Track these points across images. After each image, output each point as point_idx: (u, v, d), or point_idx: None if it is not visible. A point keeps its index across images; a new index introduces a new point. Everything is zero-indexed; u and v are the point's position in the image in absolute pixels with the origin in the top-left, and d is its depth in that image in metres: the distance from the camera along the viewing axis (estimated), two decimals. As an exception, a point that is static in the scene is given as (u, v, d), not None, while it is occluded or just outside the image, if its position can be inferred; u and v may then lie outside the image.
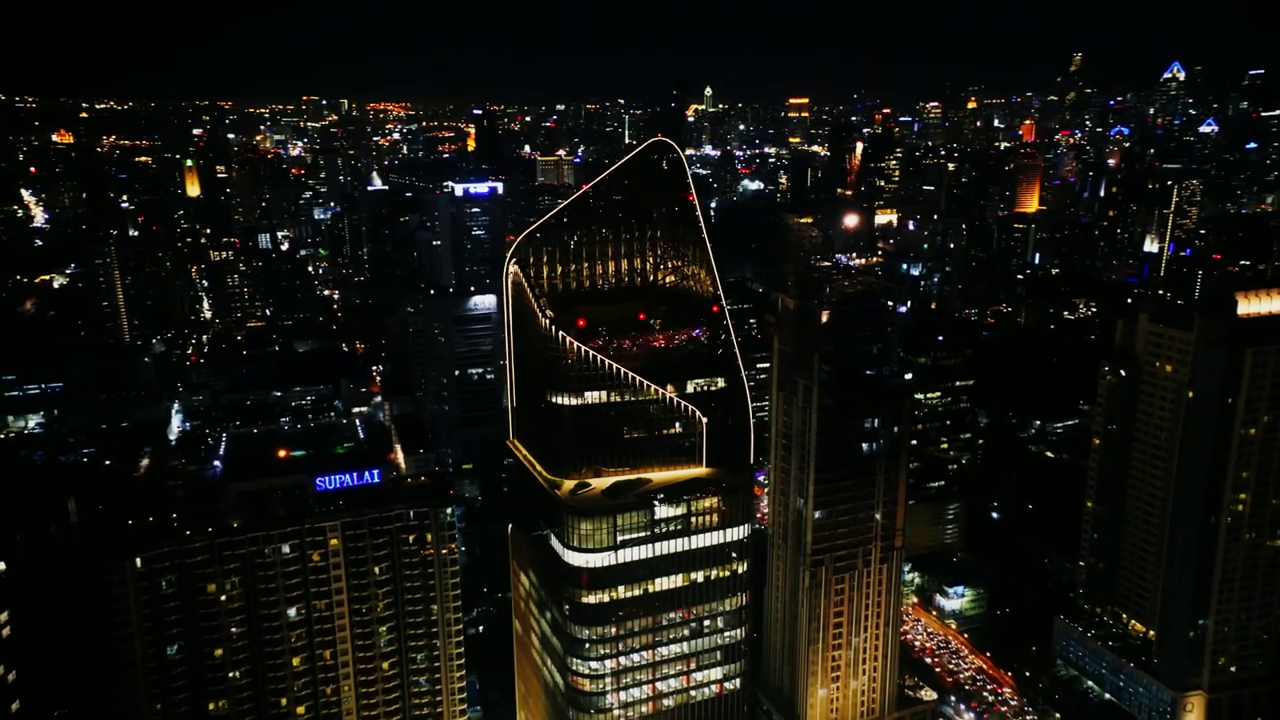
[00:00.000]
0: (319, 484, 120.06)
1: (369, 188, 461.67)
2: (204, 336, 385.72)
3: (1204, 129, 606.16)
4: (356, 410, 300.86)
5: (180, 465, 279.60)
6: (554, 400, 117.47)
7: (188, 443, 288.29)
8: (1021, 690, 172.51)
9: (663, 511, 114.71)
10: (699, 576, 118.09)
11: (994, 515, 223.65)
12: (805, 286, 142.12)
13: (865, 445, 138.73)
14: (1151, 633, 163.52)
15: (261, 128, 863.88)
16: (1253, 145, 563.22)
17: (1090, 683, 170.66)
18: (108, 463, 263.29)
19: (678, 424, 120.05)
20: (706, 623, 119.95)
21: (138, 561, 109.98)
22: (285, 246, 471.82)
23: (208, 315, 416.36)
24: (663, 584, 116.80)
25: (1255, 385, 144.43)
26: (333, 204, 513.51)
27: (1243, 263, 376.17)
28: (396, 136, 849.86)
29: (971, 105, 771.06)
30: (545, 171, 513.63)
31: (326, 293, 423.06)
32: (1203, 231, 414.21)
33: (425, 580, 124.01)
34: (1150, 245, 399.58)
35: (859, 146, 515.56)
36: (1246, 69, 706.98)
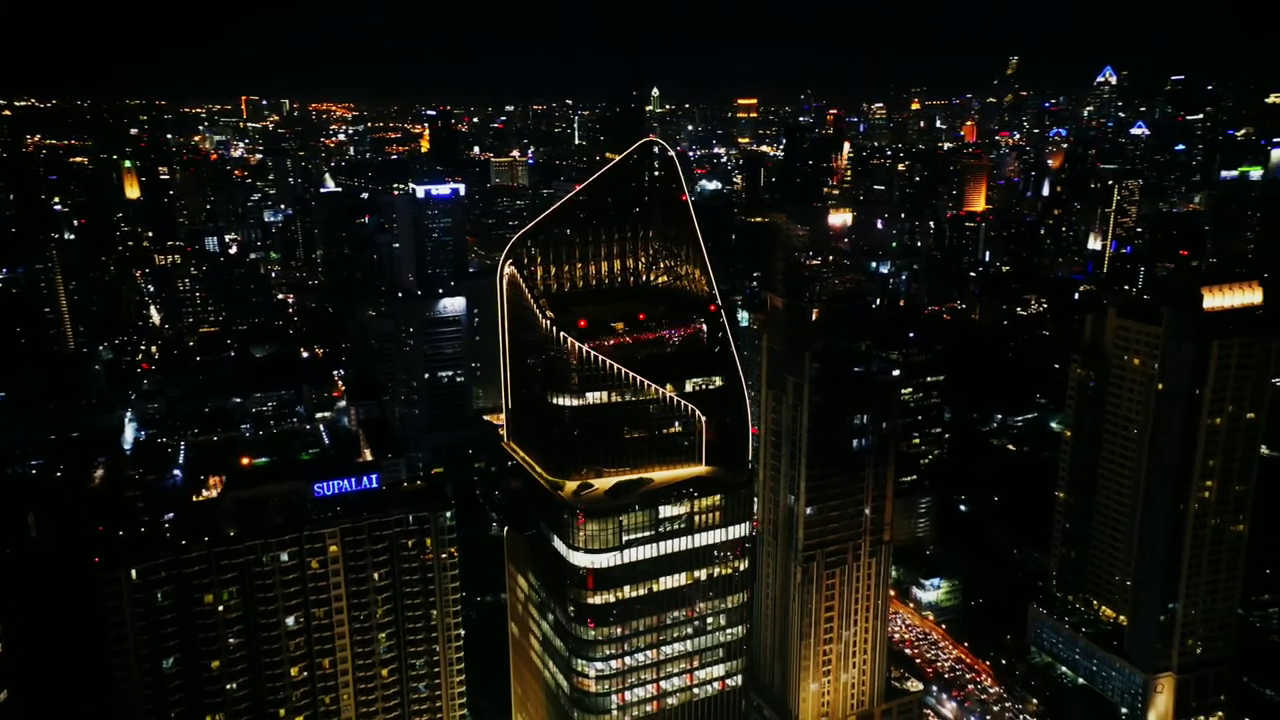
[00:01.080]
0: (317, 490, 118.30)
1: (321, 189, 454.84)
2: (155, 343, 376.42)
3: (1134, 131, 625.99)
4: (320, 416, 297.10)
5: (138, 475, 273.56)
6: (555, 401, 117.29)
7: (144, 452, 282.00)
8: (999, 678, 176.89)
9: (667, 511, 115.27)
10: (702, 575, 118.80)
11: (962, 508, 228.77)
12: (794, 285, 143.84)
13: (854, 441, 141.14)
14: (1122, 618, 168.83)
15: (200, 128, 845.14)
16: (1181, 147, 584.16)
17: (1064, 668, 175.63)
18: (59, 474, 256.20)
19: (677, 423, 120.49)
20: (709, 620, 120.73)
21: (133, 573, 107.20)
22: (234, 250, 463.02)
23: (156, 321, 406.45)
24: (667, 583, 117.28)
25: (1220, 376, 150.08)
26: (283, 206, 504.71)
27: (1177, 259, 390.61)
28: (342, 138, 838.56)
29: (915, 106, 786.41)
30: (499, 172, 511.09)
31: (281, 296, 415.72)
32: (1139, 230, 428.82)
33: (425, 585, 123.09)
34: (1094, 243, 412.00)
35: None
36: (1169, 74, 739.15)
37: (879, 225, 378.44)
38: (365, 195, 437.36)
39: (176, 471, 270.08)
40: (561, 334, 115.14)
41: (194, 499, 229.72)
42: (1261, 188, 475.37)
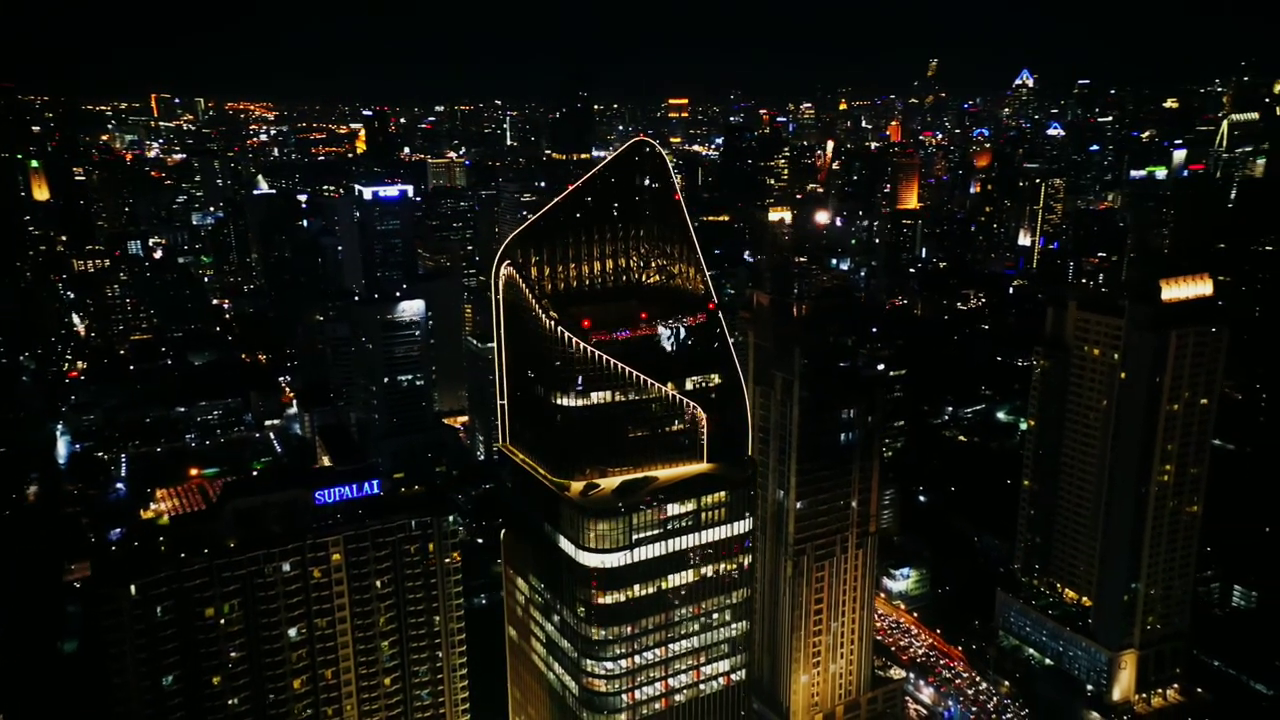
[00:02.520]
0: (318, 497, 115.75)
1: (254, 191, 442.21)
2: (82, 352, 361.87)
3: (1051, 132, 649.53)
4: (269, 423, 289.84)
5: (77, 491, 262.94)
6: (559, 402, 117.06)
7: (81, 466, 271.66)
8: (971, 663, 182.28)
9: (674, 509, 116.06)
10: (708, 571, 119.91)
11: (922, 499, 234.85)
12: (782, 283, 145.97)
13: (842, 435, 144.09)
14: (1085, 599, 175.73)
15: (108, 127, 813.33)
16: (1095, 147, 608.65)
17: (1032, 650, 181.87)
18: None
19: (678, 421, 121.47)
20: (715, 616, 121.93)
21: (132, 588, 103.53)
22: (159, 254, 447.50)
23: (81, 329, 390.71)
24: (674, 580, 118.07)
25: (1178, 364, 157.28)
26: (212, 208, 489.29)
27: (1099, 254, 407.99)
28: (264, 138, 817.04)
29: (842, 107, 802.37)
30: (437, 174, 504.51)
31: (216, 302, 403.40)
32: (1064, 226, 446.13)
33: (428, 591, 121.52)
34: (1024, 239, 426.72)
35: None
36: (1076, 78, 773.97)
37: (837, 223, 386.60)
38: (302, 197, 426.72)
39: (119, 485, 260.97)
40: (565, 334, 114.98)
41: (141, 513, 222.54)
42: (1167, 187, 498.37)
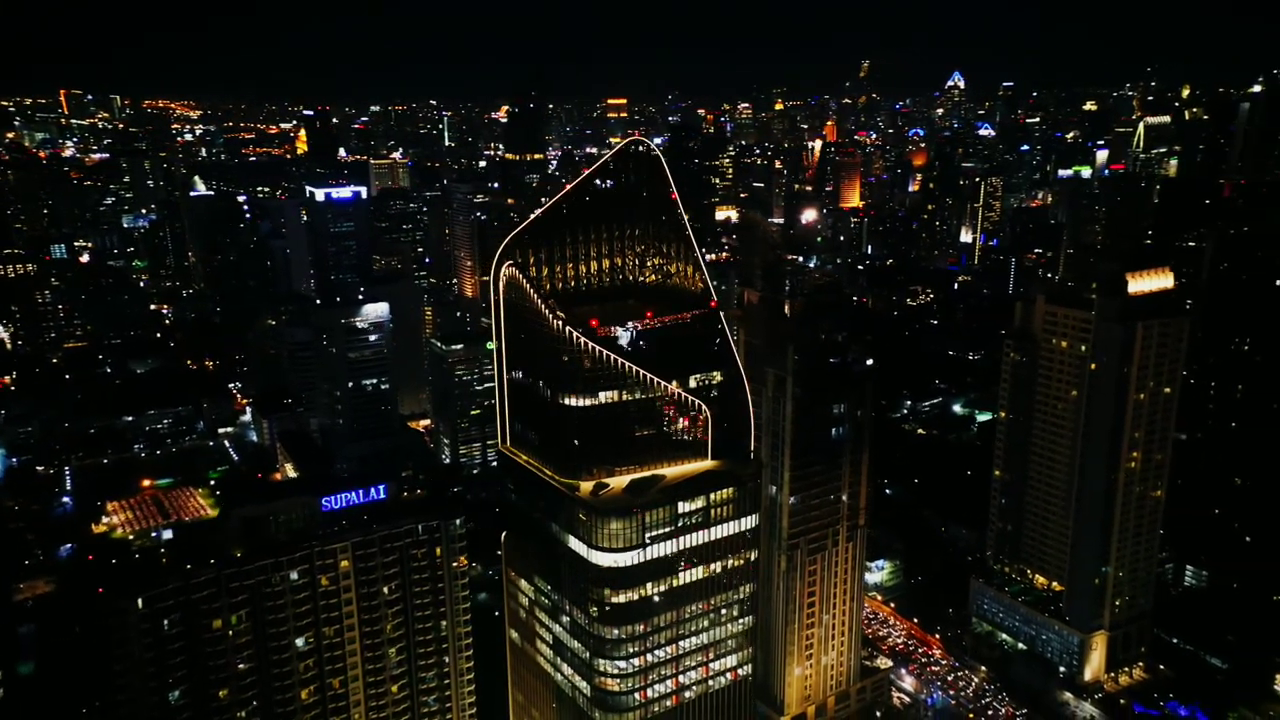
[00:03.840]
0: (325, 504, 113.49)
1: (192, 193, 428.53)
2: (10, 362, 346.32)
3: (982, 132, 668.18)
4: (223, 431, 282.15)
5: (18, 507, 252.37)
6: (567, 402, 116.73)
7: (19, 481, 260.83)
8: (948, 649, 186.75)
9: (684, 506, 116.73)
10: (716, 567, 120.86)
11: (888, 491, 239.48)
12: (774, 280, 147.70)
13: (833, 430, 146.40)
14: (1055, 584, 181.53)
15: (14, 124, 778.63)
16: (1025, 148, 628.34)
17: (1004, 636, 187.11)
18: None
19: (682, 419, 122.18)
20: (723, 612, 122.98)
21: (139, 602, 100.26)
22: (86, 258, 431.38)
23: (4, 337, 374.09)
24: (685, 577, 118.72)
25: (1145, 355, 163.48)
26: (144, 211, 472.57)
27: (1036, 251, 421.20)
28: (190, 138, 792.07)
29: (779, 107, 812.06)
30: (380, 175, 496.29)
31: (154, 307, 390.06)
32: (1002, 224, 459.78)
33: (435, 596, 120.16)
34: (965, 236, 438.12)
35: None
36: (1001, 81, 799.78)
37: (803, 221, 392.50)
38: (243, 199, 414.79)
39: (65, 500, 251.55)
40: (573, 334, 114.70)
41: (93, 527, 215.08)
42: (1094, 185, 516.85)
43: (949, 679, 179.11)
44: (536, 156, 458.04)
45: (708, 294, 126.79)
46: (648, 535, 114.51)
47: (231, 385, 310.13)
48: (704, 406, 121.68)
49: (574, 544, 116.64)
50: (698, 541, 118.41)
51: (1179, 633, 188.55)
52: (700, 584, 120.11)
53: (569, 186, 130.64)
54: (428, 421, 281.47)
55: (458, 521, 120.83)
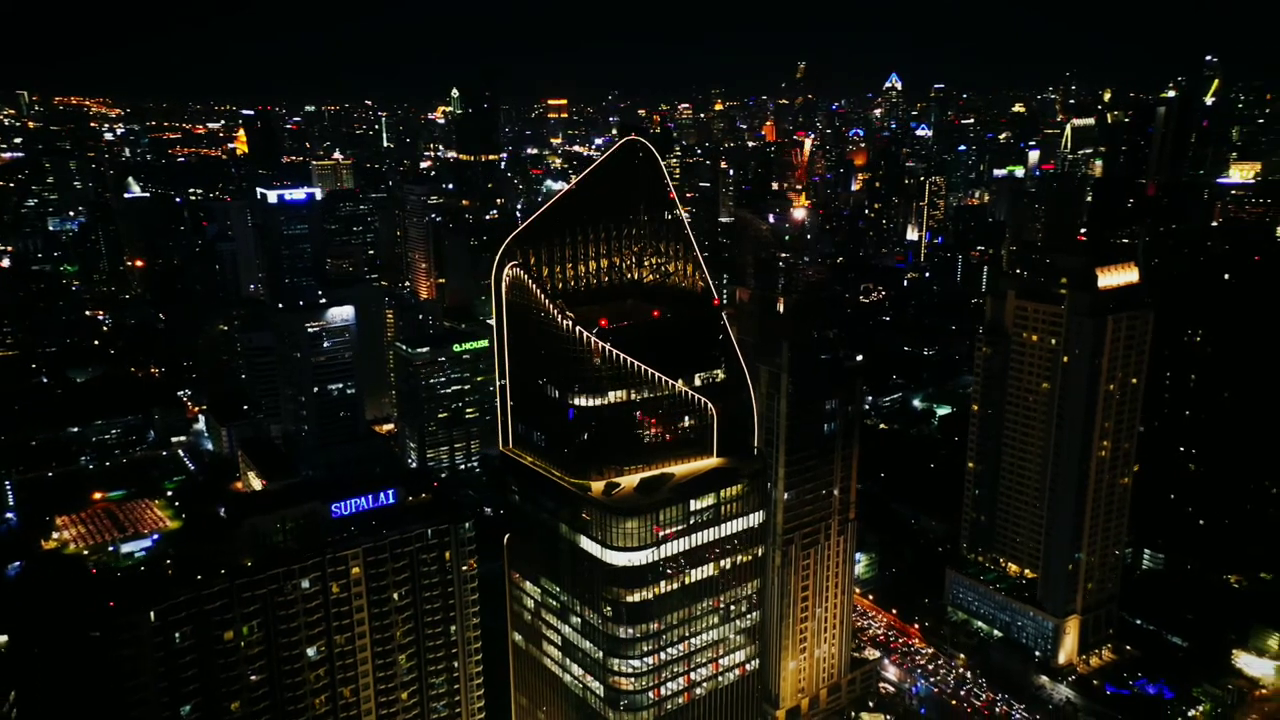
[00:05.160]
0: (334, 510, 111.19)
1: (126, 195, 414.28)
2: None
3: (920, 133, 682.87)
4: (176, 440, 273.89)
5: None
6: (576, 402, 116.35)
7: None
8: (927, 639, 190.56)
9: (696, 504, 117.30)
10: (726, 564, 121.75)
11: (857, 486, 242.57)
12: (768, 277, 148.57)
13: (825, 426, 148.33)
14: (1028, 572, 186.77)
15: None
16: (962, 148, 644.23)
17: (980, 623, 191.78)
18: None
19: (688, 417, 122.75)
20: (732, 608, 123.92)
21: (151, 615, 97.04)
22: (6, 263, 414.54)
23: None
24: (697, 574, 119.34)
25: (1114, 347, 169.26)
26: (72, 213, 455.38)
27: (979, 248, 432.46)
28: (110, 137, 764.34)
29: (718, 107, 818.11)
30: (323, 176, 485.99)
31: (89, 313, 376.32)
32: (945, 221, 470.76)
33: (445, 600, 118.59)
34: (911, 234, 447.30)
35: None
36: (933, 83, 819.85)
37: (770, 219, 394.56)
38: (181, 200, 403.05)
39: (9, 515, 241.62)
40: (584, 334, 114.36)
41: (42, 543, 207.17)
42: (1029, 184, 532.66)
43: (930, 667, 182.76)
44: (491, 157, 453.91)
45: (709, 292, 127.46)
46: (661, 533, 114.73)
47: (181, 393, 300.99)
48: (709, 404, 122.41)
49: (586, 544, 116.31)
50: (709, 538, 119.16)
51: (1141, 614, 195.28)
52: (710, 580, 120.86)
53: (567, 188, 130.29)
54: (391, 426, 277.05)
55: (467, 524, 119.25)
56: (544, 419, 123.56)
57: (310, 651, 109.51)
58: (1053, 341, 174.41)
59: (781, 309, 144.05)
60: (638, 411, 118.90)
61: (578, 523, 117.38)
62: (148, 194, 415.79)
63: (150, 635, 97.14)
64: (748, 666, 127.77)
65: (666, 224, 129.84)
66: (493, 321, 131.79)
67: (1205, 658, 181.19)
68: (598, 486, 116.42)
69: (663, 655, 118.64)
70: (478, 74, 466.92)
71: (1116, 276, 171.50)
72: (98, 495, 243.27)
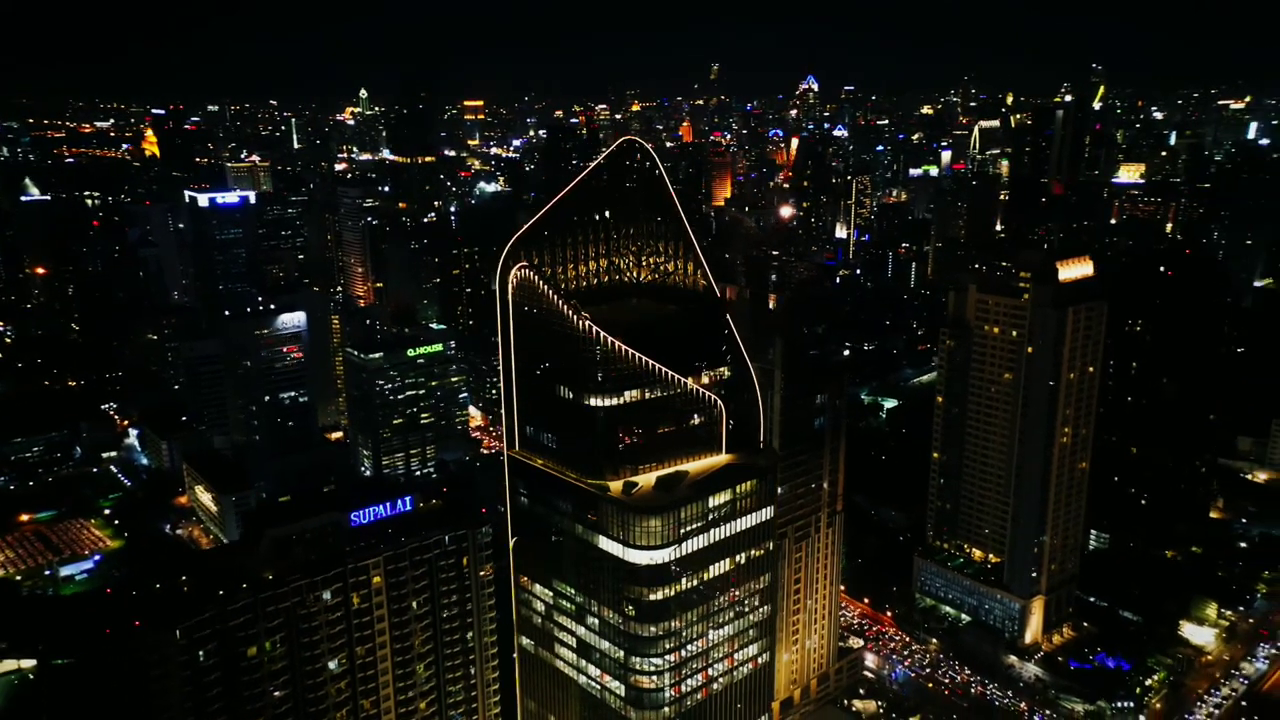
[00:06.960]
0: (353, 519, 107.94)
1: (24, 198, 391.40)
2: None
3: (837, 133, 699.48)
4: (106, 455, 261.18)
5: None
6: (591, 403, 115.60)
7: None
8: (900, 626, 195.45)
9: (713, 500, 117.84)
10: (741, 559, 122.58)
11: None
12: (759, 275, 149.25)
13: (815, 420, 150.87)
14: (993, 556, 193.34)
15: None
16: (881, 148, 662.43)
17: (948, 609, 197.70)
18: None
19: (698, 414, 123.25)
20: (746, 602, 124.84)
21: (176, 633, 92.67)
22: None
23: None
24: (714, 570, 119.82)
25: (1074, 337, 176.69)
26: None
27: (904, 245, 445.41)
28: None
29: (635, 108, 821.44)
30: (239, 179, 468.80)
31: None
32: (872, 220, 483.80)
33: (463, 606, 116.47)
34: (840, 232, 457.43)
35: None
36: (844, 85, 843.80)
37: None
38: (90, 204, 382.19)
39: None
40: (600, 334, 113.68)
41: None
42: (944, 183, 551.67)
43: (905, 653, 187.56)
44: (427, 159, 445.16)
45: (711, 290, 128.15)
46: (682, 531, 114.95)
47: (106, 406, 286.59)
48: (719, 401, 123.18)
49: (605, 544, 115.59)
50: (725, 534, 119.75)
51: (1095, 592, 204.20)
52: (727, 576, 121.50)
53: (567, 188, 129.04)
54: (340, 434, 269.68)
55: (485, 529, 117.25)
56: (555, 420, 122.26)
57: (332, 664, 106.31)
58: (1014, 333, 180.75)
59: (773, 306, 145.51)
60: (652, 410, 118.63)
61: (595, 523, 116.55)
62: (48, 197, 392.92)
63: (177, 654, 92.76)
64: (759, 660, 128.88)
65: (665, 223, 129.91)
66: (496, 322, 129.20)
67: (1155, 630, 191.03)
68: (616, 486, 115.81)
69: (683, 652, 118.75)
70: (413, 74, 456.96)
71: (1075, 270, 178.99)
72: (24, 517, 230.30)
